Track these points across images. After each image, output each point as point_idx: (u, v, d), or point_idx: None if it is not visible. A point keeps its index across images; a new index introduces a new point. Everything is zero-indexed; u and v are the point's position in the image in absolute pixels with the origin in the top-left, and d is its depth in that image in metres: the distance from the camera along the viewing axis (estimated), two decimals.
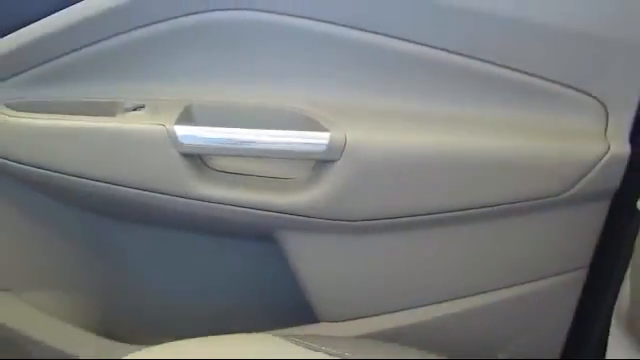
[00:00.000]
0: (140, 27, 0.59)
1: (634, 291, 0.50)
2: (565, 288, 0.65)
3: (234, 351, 0.50)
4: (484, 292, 0.65)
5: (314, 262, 0.65)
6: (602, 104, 0.59)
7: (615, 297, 0.58)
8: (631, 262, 0.52)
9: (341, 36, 0.57)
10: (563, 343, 0.67)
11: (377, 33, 0.57)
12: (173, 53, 0.61)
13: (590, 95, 0.59)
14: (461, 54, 0.58)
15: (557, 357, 0.67)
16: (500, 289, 0.64)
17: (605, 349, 0.60)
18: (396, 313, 0.66)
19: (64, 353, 0.69)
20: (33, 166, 0.62)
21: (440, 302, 0.65)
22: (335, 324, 0.67)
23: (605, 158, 0.57)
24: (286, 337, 0.52)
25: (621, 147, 0.58)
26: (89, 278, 0.75)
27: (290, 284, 0.69)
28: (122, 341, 0.71)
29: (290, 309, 0.70)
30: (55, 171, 0.62)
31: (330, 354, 0.50)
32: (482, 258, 0.63)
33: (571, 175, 0.58)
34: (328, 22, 0.57)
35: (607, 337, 0.61)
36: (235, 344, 0.52)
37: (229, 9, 0.57)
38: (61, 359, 0.70)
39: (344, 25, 0.57)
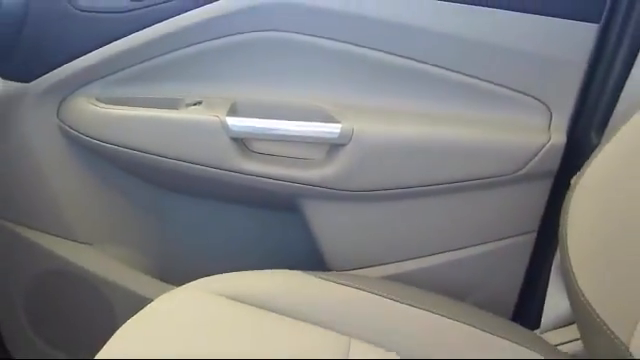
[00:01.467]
0: (199, 43, 0.79)
1: (562, 247, 0.69)
2: (519, 247, 0.83)
3: (274, 282, 0.69)
4: (456, 249, 0.83)
5: (328, 224, 0.84)
6: (547, 106, 0.78)
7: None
8: (560, 227, 0.70)
9: (352, 52, 0.77)
10: (518, 290, 0.86)
11: (380, 50, 0.77)
12: (223, 62, 0.80)
13: (538, 100, 0.78)
14: (442, 67, 0.77)
15: (515, 301, 0.86)
16: (467, 247, 0.83)
17: None
18: (389, 264, 0.85)
19: (135, 293, 0.89)
20: (114, 145, 0.82)
21: (421, 257, 0.84)
22: (343, 273, 0.87)
23: (547, 146, 0.76)
24: (313, 274, 0.72)
25: (560, 138, 0.76)
26: (150, 235, 0.95)
27: (303, 246, 0.89)
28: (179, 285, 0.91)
29: (304, 263, 0.89)
30: (131, 149, 0.82)
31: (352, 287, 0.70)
32: (455, 222, 0.82)
33: (522, 158, 0.77)
34: (343, 42, 0.76)
35: None
36: (270, 278, 0.71)
37: (269, 30, 0.77)
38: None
39: (355, 44, 0.76)
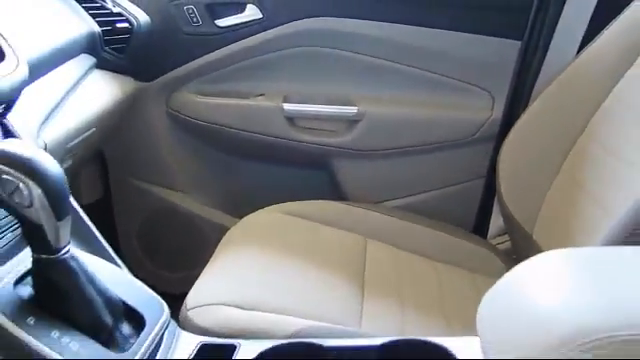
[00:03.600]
0: (261, 55, 1.20)
1: (497, 181, 1.09)
2: (474, 187, 1.25)
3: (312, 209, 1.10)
4: (432, 190, 1.26)
5: (347, 174, 1.26)
6: (490, 94, 1.19)
7: None
8: (496, 169, 1.11)
9: (364, 60, 1.19)
10: (475, 214, 1.28)
11: (381, 58, 1.18)
12: (279, 67, 1.22)
13: (485, 90, 1.19)
14: (422, 69, 1.18)
15: (473, 220, 1.28)
16: (440, 188, 1.25)
17: None
18: (388, 201, 1.27)
19: (216, 224, 1.30)
20: (205, 122, 1.24)
21: (410, 195, 1.26)
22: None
23: (490, 120, 1.18)
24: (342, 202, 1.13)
25: (498, 114, 1.18)
26: (226, 186, 1.36)
27: (330, 192, 1.30)
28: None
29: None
30: (216, 125, 1.23)
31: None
32: (431, 170, 1.24)
33: (474, 127, 1.19)
34: (357, 53, 1.18)
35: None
36: (315, 204, 1.12)
37: (309, 46, 1.18)
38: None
39: (366, 55, 1.18)
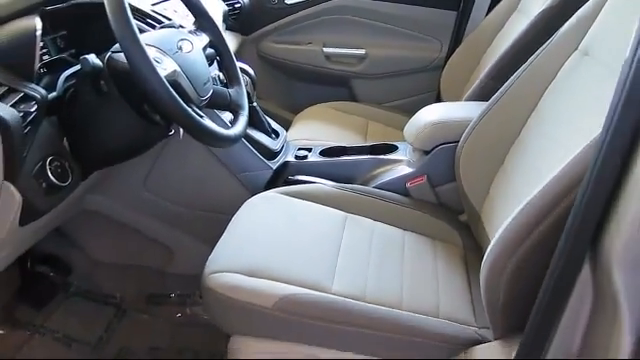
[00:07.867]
0: (313, 19, 2.13)
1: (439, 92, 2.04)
2: (429, 96, 2.18)
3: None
4: (405, 98, 2.20)
5: (360, 88, 2.22)
6: (440, 42, 2.12)
7: None
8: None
9: (369, 24, 2.11)
10: None
11: (375, 20, 2.10)
12: (322, 27, 2.15)
13: (438, 40, 2.12)
14: (396, 26, 2.11)
15: None
16: (409, 97, 2.20)
17: None
18: (384, 103, 2.22)
19: (281, 115, 2.26)
20: (277, 58, 2.19)
21: (395, 100, 2.21)
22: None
23: (438, 58, 2.11)
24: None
25: (444, 54, 2.10)
26: (287, 94, 2.32)
27: (347, 98, 2.25)
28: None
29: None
30: (284, 60, 2.19)
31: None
32: (406, 87, 2.18)
33: (429, 61, 2.13)
34: (365, 18, 2.10)
35: None
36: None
37: (340, 15, 2.10)
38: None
39: (370, 19, 2.10)
